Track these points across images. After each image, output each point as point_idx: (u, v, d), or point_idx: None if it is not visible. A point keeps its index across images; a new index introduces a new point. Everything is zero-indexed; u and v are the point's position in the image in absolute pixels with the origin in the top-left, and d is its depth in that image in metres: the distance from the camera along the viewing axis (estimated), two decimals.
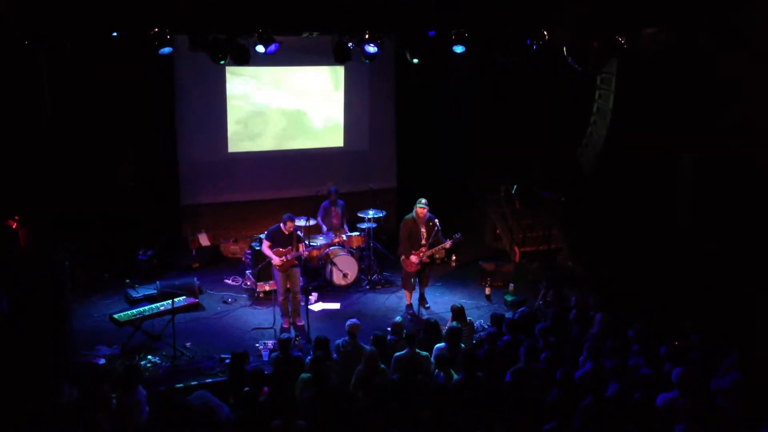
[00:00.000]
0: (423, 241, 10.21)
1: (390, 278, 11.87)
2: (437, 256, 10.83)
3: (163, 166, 12.35)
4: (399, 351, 7.86)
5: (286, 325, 10.00)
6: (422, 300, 10.70)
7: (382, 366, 7.51)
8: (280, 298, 9.99)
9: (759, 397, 6.55)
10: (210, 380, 8.42)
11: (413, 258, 10.24)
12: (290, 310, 10.08)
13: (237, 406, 6.95)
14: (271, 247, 9.83)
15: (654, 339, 7.78)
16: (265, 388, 7.19)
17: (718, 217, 10.99)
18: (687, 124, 11.40)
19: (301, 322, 9.95)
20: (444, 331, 8.36)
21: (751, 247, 10.43)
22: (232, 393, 7.41)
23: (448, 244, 10.30)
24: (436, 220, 10.25)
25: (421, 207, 10.16)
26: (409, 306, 10.72)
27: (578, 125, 13.09)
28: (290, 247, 9.81)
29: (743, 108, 10.66)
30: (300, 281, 10.14)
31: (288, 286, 9.97)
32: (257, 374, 7.31)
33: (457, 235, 10.27)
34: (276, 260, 9.78)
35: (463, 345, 8.16)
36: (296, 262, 9.97)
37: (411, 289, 10.65)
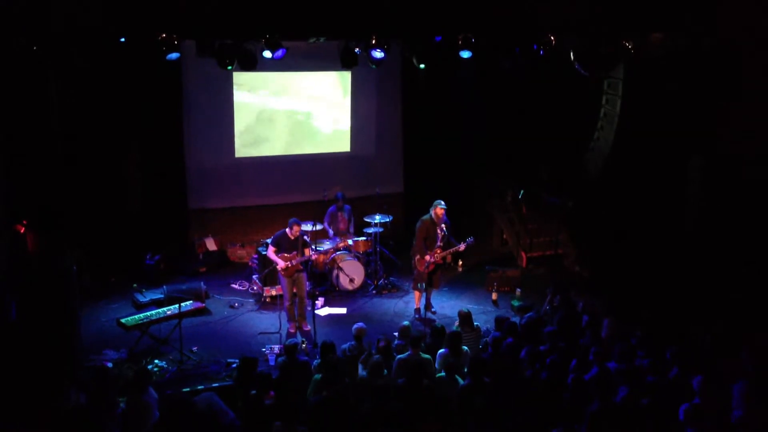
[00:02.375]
0: (439, 242, 10.22)
1: (397, 283, 11.86)
2: (447, 258, 10.81)
3: (170, 171, 12.38)
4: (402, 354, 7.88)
5: (292, 330, 10.01)
6: (428, 305, 10.68)
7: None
8: (287, 303, 9.98)
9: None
10: (217, 384, 8.43)
11: (428, 257, 10.23)
12: (296, 314, 10.08)
13: (244, 410, 6.95)
14: (276, 252, 9.83)
15: (660, 343, 7.74)
16: (272, 392, 7.20)
17: (727, 220, 10.98)
18: (694, 128, 11.39)
19: (308, 327, 9.95)
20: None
21: (759, 250, 10.41)
22: (241, 396, 7.41)
23: (462, 247, 10.27)
24: (448, 221, 10.27)
25: (442, 207, 10.15)
26: (417, 310, 10.71)
27: (585, 130, 13.08)
28: (295, 252, 9.81)
29: (750, 110, 10.64)
30: (306, 286, 10.14)
31: (294, 290, 9.97)
32: (264, 378, 7.32)
33: (470, 240, 10.25)
34: (281, 265, 9.78)
35: (468, 350, 8.15)
36: (301, 267, 9.96)
37: (422, 292, 10.62)
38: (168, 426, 6.69)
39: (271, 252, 9.88)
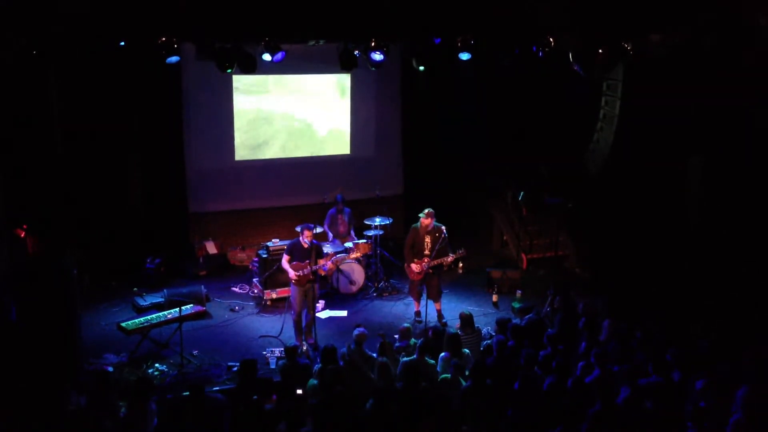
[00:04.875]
0: (426, 251, 10.14)
1: (397, 285, 11.85)
2: (445, 264, 10.63)
3: (170, 174, 12.38)
4: (407, 357, 7.86)
5: (298, 343, 9.58)
6: (439, 316, 10.55)
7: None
8: (294, 317, 9.71)
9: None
10: (217, 388, 8.41)
11: (414, 267, 10.19)
12: (303, 325, 9.80)
13: (245, 414, 6.94)
14: (290, 261, 9.59)
15: (661, 345, 7.73)
16: (274, 396, 7.19)
17: (727, 220, 10.98)
18: (694, 129, 11.39)
19: (312, 340, 9.71)
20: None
21: (759, 250, 10.41)
22: (241, 401, 7.40)
23: (450, 258, 10.17)
24: (443, 228, 10.14)
25: (425, 219, 10.06)
26: (418, 313, 10.68)
27: (585, 131, 13.08)
28: (308, 261, 9.52)
29: (749, 110, 10.65)
30: (316, 297, 9.89)
31: (306, 299, 9.65)
32: (266, 382, 7.31)
33: (461, 251, 10.16)
34: (292, 274, 9.53)
35: (469, 352, 8.14)
36: (313, 277, 9.59)
37: (417, 297, 10.59)
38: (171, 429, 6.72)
39: (284, 262, 9.64)
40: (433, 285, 10.41)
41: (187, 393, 7.15)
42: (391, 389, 7.03)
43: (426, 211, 10.11)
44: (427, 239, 10.11)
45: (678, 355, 7.26)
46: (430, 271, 10.22)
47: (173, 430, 6.86)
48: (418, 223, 10.19)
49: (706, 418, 6.24)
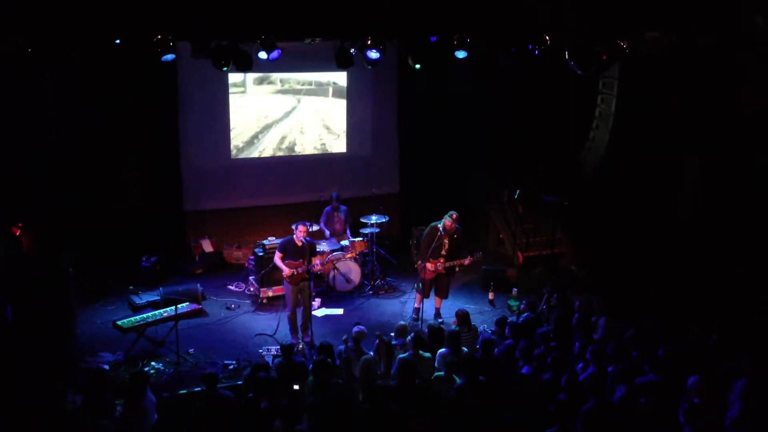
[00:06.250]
0: (443, 252, 10.11)
1: (393, 283, 11.85)
2: (460, 266, 10.57)
3: (166, 173, 12.36)
4: (403, 353, 7.88)
5: (294, 341, 9.62)
6: (436, 314, 10.56)
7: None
8: (288, 313, 9.72)
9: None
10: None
11: (429, 266, 10.16)
12: (299, 324, 9.77)
13: (244, 413, 6.95)
14: (282, 259, 9.61)
15: (655, 342, 7.73)
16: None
17: (723, 218, 11.00)
18: (690, 127, 11.41)
19: (308, 339, 9.70)
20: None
21: (756, 248, 10.43)
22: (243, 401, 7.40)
23: (466, 261, 10.15)
24: (461, 231, 10.13)
25: (449, 220, 9.97)
26: (416, 310, 10.64)
27: (581, 129, 13.09)
28: (302, 260, 9.52)
29: (747, 109, 10.67)
30: (312, 296, 9.89)
31: (299, 298, 9.69)
32: (266, 381, 7.31)
33: (478, 254, 10.15)
34: (286, 271, 9.53)
35: (466, 350, 8.14)
36: (307, 276, 9.59)
37: (425, 295, 10.46)
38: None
39: (277, 259, 9.64)
40: (442, 284, 10.42)
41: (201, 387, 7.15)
42: (387, 385, 7.04)
43: (452, 213, 10.04)
44: (446, 241, 10.07)
45: (670, 351, 7.27)
46: (443, 271, 10.21)
47: (179, 424, 6.87)
48: (440, 224, 10.09)
49: (702, 415, 6.25)
